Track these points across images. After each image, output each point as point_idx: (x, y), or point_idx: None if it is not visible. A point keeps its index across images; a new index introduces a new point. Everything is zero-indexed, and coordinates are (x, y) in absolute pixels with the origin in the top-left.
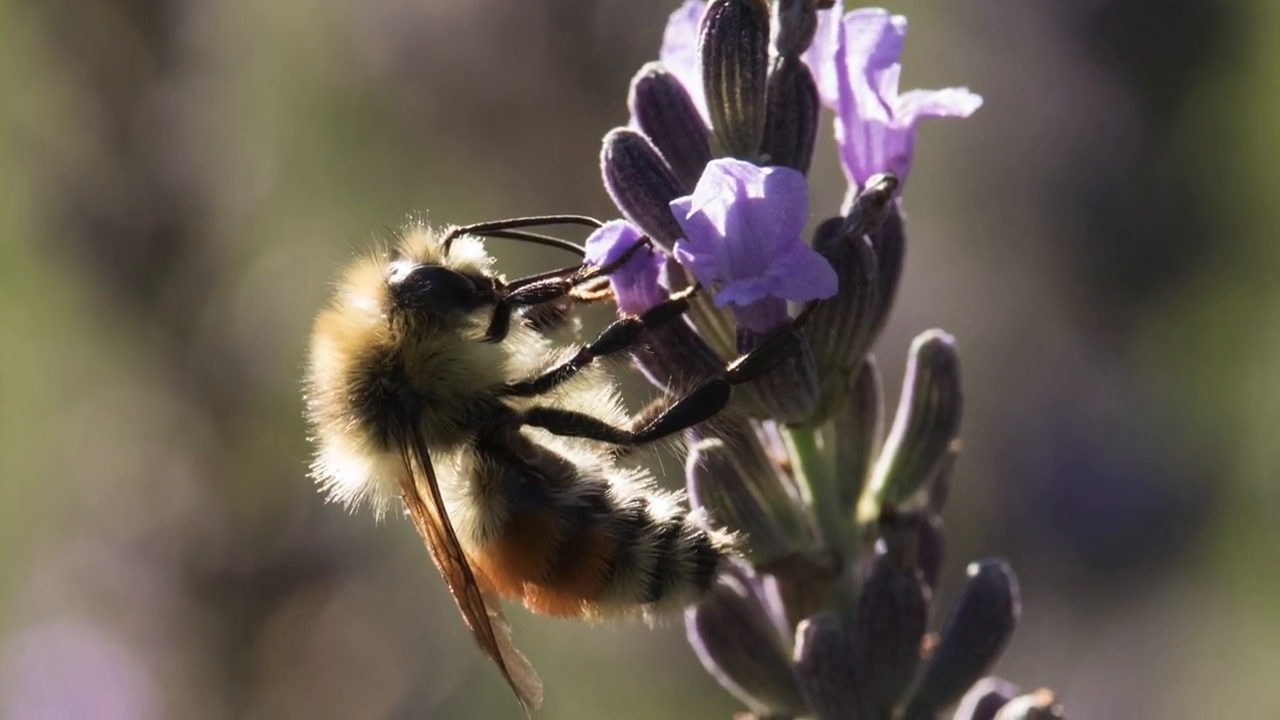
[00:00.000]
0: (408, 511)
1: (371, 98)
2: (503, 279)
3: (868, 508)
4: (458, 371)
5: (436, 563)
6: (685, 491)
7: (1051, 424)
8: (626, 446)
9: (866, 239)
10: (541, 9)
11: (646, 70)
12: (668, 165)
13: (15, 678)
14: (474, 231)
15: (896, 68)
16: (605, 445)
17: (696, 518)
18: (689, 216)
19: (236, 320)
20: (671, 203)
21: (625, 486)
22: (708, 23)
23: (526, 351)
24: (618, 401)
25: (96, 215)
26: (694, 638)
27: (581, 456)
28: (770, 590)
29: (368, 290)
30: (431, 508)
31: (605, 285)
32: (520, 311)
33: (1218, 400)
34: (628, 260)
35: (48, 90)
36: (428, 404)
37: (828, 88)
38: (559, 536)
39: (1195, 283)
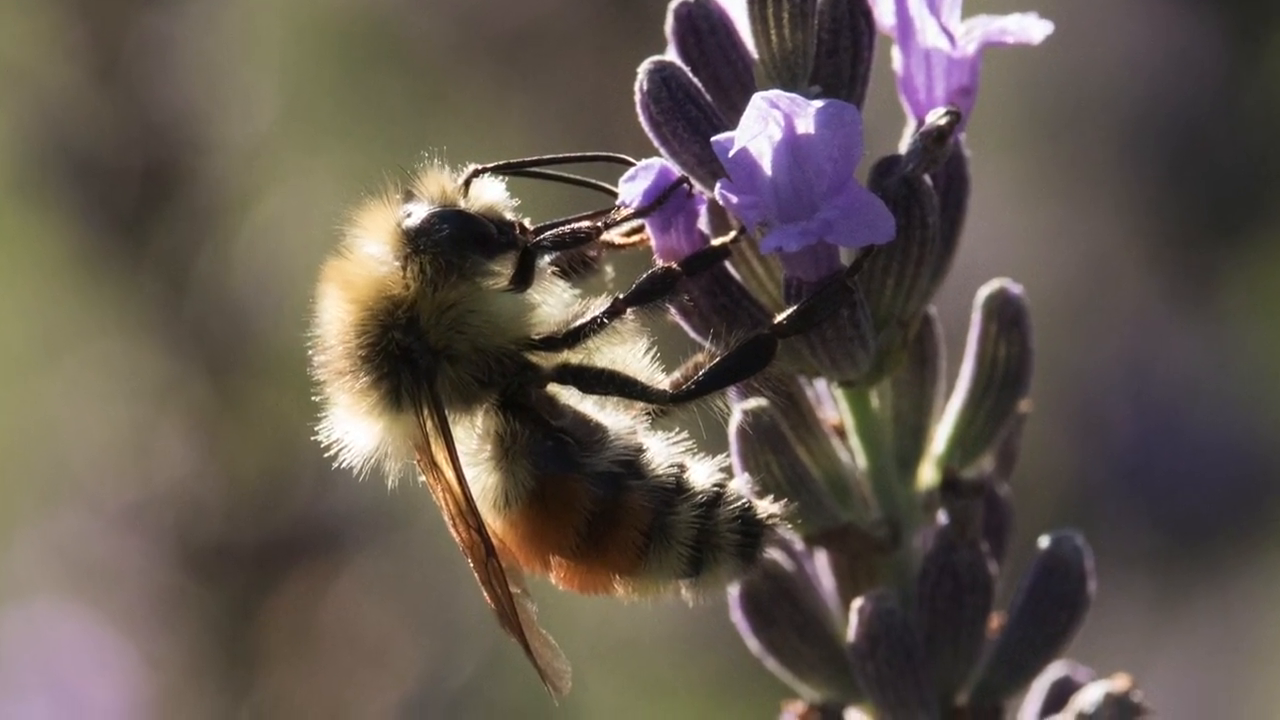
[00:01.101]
0: (423, 478)
1: (382, 22)
2: (527, 223)
3: (928, 474)
4: (478, 324)
5: (454, 534)
6: (728, 456)
7: (1130, 381)
8: (663, 406)
9: (927, 179)
10: None
11: None
12: (708, 98)
13: None
14: (496, 170)
15: None
16: (640, 405)
17: (740, 485)
18: (732, 154)
19: (235, 268)
20: (713, 139)
21: (662, 450)
22: None
23: (553, 302)
24: (654, 357)
25: (82, 152)
26: (737, 617)
27: (614, 418)
28: (821, 565)
29: (379, 235)
30: (449, 474)
31: (640, 229)
32: (546, 258)
33: None
34: (665, 202)
35: (27, 15)
36: (445, 360)
37: (884, 13)
38: (589, 505)
39: None
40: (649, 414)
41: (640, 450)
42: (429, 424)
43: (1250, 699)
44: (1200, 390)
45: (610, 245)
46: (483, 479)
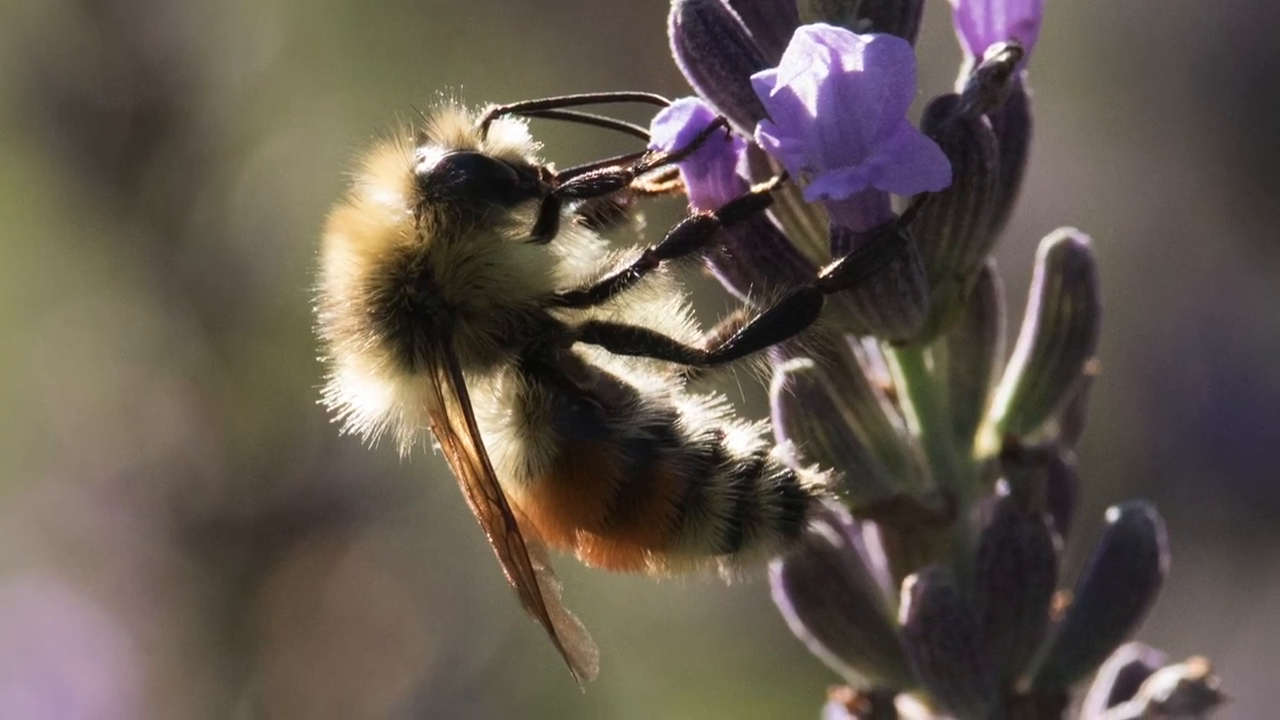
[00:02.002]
0: (438, 445)
1: None
2: (551, 168)
3: (987, 441)
4: (497, 278)
5: (472, 507)
6: (769, 422)
7: (1206, 341)
8: (699, 367)
9: (986, 120)
10: None
11: None
12: (748, 32)
13: None
14: (517, 111)
15: None
16: (674, 366)
17: (782, 453)
18: (773, 93)
19: (234, 217)
20: (753, 77)
21: (697, 415)
22: None
23: (580, 254)
24: (688, 314)
25: (67, 92)
26: (779, 596)
27: (645, 380)
28: (871, 540)
29: (390, 181)
30: (466, 441)
31: (674, 175)
32: (572, 207)
33: None
34: (701, 145)
35: None
36: (461, 317)
37: None
38: (618, 475)
39: None
40: (683, 376)
41: (674, 415)
42: (444, 386)
43: None
44: None
45: (641, 192)
46: (503, 446)
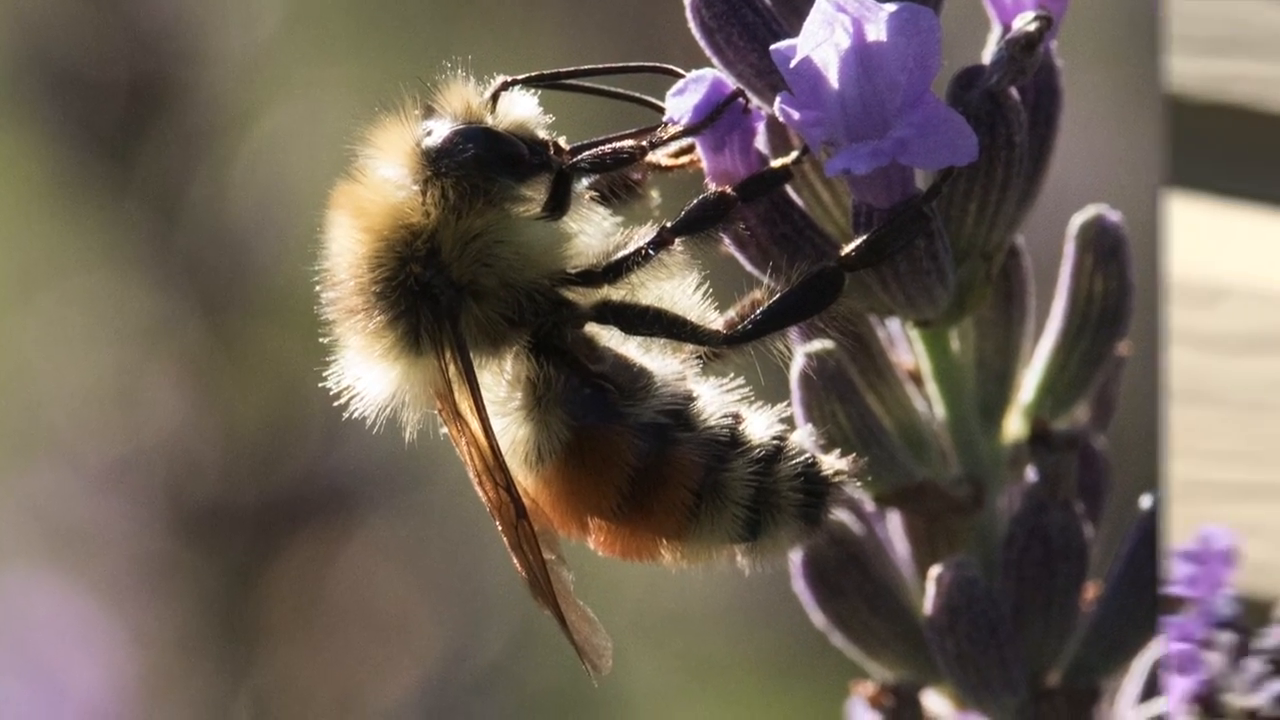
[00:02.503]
0: (445, 430)
1: None
2: (563, 142)
3: (1015, 425)
4: (507, 256)
5: (481, 493)
6: (789, 405)
7: None
8: (716, 349)
9: (1014, 92)
10: None
11: None
12: (767, 0)
13: None
14: (527, 83)
15: None
16: (690, 348)
17: (803, 438)
18: (793, 64)
19: (233, 194)
20: (772, 47)
21: (714, 399)
22: None
23: (592, 231)
24: (705, 294)
25: (60, 64)
26: (799, 587)
27: (660, 362)
28: (894, 528)
29: (395, 156)
30: (474, 425)
31: (690, 150)
32: (584, 182)
33: None
34: (718, 118)
35: None
36: (469, 296)
37: None
38: (632, 460)
39: None
40: (700, 358)
41: (690, 398)
42: (452, 368)
43: None
44: None
45: (656, 167)
46: (512, 431)
